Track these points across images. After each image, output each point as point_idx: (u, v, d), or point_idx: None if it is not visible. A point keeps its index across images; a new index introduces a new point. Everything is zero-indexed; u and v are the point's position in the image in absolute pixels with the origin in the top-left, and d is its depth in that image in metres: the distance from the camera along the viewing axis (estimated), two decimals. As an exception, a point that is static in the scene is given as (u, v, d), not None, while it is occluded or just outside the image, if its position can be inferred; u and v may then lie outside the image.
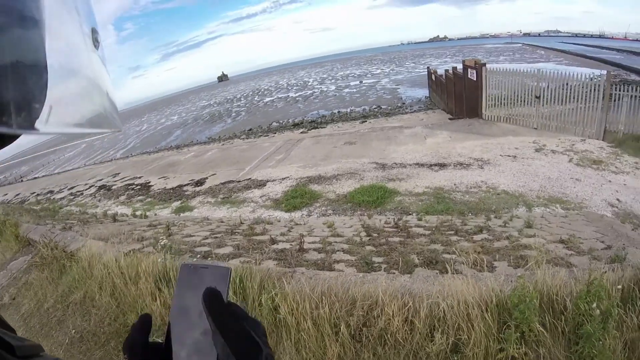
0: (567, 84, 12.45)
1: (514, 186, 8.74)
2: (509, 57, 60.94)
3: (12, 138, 0.37)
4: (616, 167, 9.35)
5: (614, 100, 11.48)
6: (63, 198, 17.32)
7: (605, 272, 2.90)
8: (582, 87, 11.87)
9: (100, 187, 17.46)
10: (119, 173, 19.88)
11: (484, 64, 14.94)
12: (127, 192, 15.07)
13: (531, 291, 2.59)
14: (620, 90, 11.38)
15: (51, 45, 0.34)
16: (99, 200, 14.95)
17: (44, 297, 4.59)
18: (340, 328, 2.74)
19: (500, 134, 13.03)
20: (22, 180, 42.21)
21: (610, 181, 8.56)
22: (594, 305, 2.43)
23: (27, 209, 14.56)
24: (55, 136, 0.43)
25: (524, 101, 13.71)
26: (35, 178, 36.59)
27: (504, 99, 14.43)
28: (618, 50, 53.02)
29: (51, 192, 20.54)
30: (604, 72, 11.82)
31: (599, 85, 11.38)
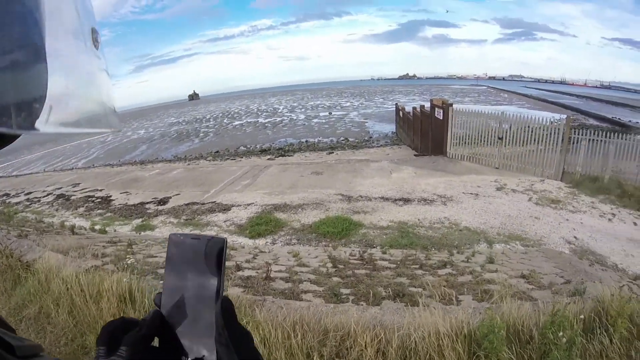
0: (528, 127, 13.07)
1: (476, 223, 8.99)
2: (474, 99, 63.45)
3: (12, 138, 0.37)
4: (573, 206, 9.84)
5: (573, 143, 12.14)
6: (19, 203, 16.62)
7: (569, 303, 3.03)
8: (543, 130, 12.54)
9: (59, 196, 16.83)
10: (79, 183, 19.18)
11: (451, 104, 15.48)
12: (87, 204, 14.57)
13: (499, 322, 2.66)
14: (578, 134, 12.05)
15: (51, 46, 0.35)
16: (57, 210, 14.40)
17: (-5, 308, 4.32)
18: (313, 358, 2.71)
19: (464, 172, 13.43)
20: None
21: (567, 220, 8.99)
22: (561, 333, 2.53)
23: None
24: (53, 135, 0.43)
25: (487, 141, 14.26)
26: None
27: (468, 139, 14.95)
28: (578, 96, 56.28)
29: (7, 195, 19.64)
30: (564, 116, 12.61)
31: (558, 129, 12.04)
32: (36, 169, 34.49)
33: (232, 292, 4.14)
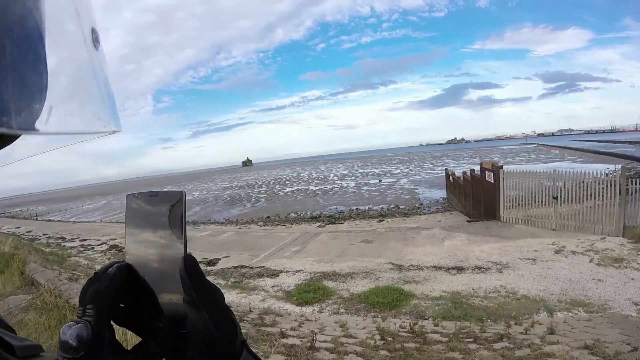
0: (583, 182, 12.62)
1: (535, 290, 8.47)
2: (525, 158, 62.86)
3: (12, 138, 0.37)
4: (638, 263, 9.21)
5: (631, 194, 11.63)
6: (73, 248, 17.65)
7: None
8: (598, 184, 12.04)
9: (113, 247, 17.72)
10: None
11: (501, 166, 15.25)
12: (138, 258, 15.16)
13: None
14: (636, 184, 11.58)
15: (51, 46, 0.35)
16: (109, 259, 14.89)
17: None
18: None
19: (519, 236, 12.89)
20: (36, 219, 43.01)
21: (633, 279, 8.39)
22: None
23: (37, 248, 14.61)
24: (53, 136, 0.41)
25: (542, 201, 13.82)
26: (50, 220, 37.09)
27: (522, 200, 14.52)
28: (631, 142, 54.30)
29: (63, 238, 20.90)
30: (619, 166, 12.04)
31: (614, 181, 11.55)
32: (93, 218, 36.60)
33: (274, 359, 4.05)
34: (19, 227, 32.15)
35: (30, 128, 0.32)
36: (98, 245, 18.19)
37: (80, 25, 0.39)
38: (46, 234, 22.75)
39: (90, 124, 0.41)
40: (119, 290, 0.51)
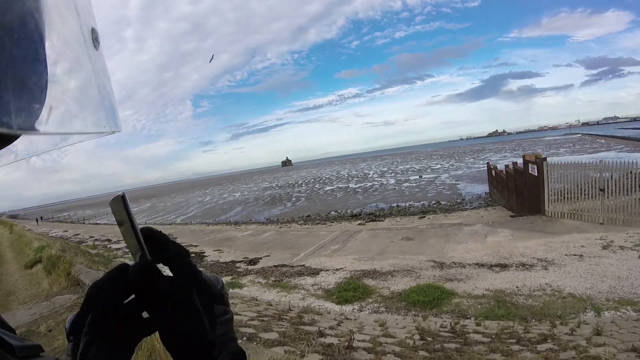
0: (631, 172, 12.14)
1: (581, 288, 8.14)
2: (570, 149, 61.17)
3: (12, 138, 0.37)
4: None
5: None
6: (119, 249, 18.29)
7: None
8: None
9: None
10: (176, 238, 20.64)
11: (545, 159, 14.76)
12: (181, 259, 15.76)
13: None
14: None
15: (51, 46, 0.35)
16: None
17: (80, 340, 4.58)
18: None
19: (565, 232, 12.44)
20: (84, 222, 45.04)
21: (685, 275, 7.92)
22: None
23: (83, 250, 15.21)
24: (56, 136, 0.42)
25: (588, 194, 13.32)
26: (96, 224, 38.55)
27: (567, 193, 14.04)
28: None
29: (109, 240, 21.68)
30: None
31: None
32: (139, 220, 38.46)
33: (309, 358, 4.09)
34: (66, 231, 33.73)
35: (30, 128, 0.33)
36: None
37: (80, 25, 0.40)
38: (93, 237, 23.64)
39: (90, 124, 0.42)
40: (116, 288, 0.52)
